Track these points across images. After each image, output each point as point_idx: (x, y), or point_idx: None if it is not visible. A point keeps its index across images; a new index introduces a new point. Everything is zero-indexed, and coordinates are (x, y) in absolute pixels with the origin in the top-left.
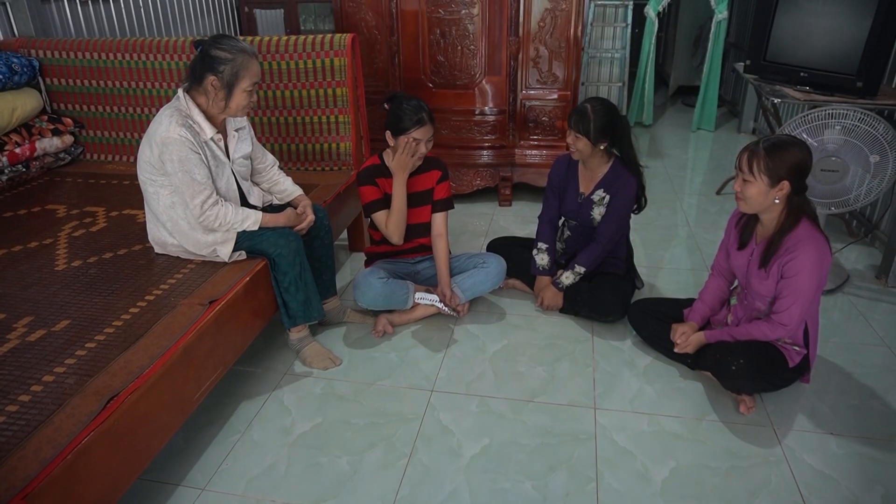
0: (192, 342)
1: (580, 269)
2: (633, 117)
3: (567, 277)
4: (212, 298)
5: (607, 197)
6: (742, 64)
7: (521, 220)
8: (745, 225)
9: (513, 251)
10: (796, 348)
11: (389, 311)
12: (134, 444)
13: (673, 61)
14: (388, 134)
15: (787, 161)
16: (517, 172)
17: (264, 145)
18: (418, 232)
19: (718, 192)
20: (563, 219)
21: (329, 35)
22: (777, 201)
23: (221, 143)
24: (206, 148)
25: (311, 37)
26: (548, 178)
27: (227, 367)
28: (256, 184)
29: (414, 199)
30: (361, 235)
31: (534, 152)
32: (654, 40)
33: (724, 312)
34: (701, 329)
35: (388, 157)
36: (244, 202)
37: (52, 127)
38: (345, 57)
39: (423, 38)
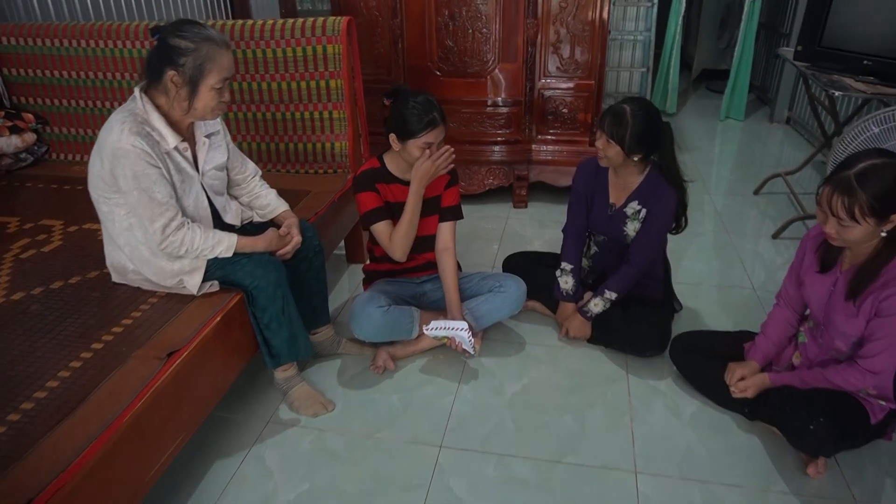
0: (144, 410)
1: (611, 296)
2: (656, 105)
3: (596, 305)
4: (171, 349)
5: (643, 210)
6: (790, 49)
7: (539, 223)
8: (827, 247)
9: (532, 269)
10: (882, 402)
11: (391, 343)
12: None
13: (697, 43)
14: (392, 137)
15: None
16: (534, 170)
17: (246, 146)
18: (425, 246)
19: (757, 192)
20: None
21: (321, 19)
22: (885, 234)
23: (188, 153)
24: (168, 160)
25: (299, 21)
26: (572, 185)
27: (193, 430)
28: (235, 197)
29: (421, 207)
30: (361, 245)
31: (552, 148)
32: (681, 20)
33: (789, 350)
34: (763, 370)
35: (389, 159)
36: (218, 222)
37: (10, 124)
38: (339, 44)
39: (429, 21)
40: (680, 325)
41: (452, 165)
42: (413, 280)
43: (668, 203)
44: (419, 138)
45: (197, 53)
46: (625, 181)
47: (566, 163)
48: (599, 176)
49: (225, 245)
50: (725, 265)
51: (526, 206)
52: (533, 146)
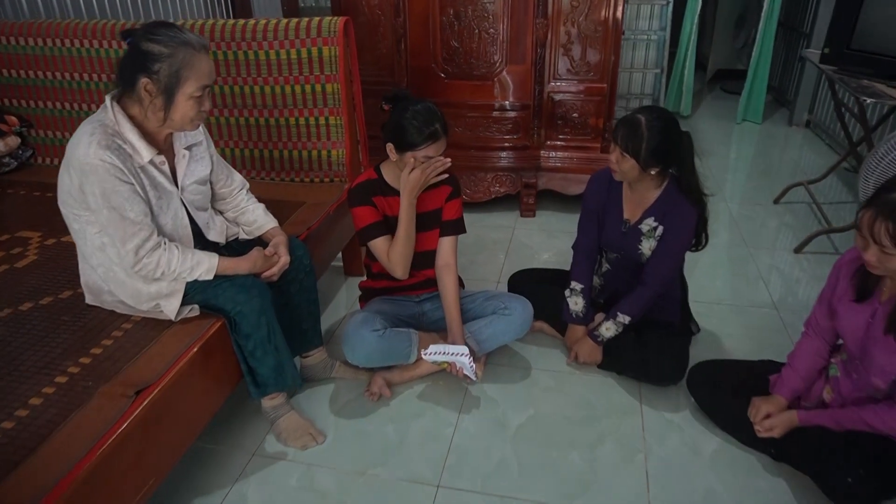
0: (107, 456)
1: (624, 319)
2: (670, 107)
3: (608, 329)
4: (140, 386)
5: (660, 228)
6: (815, 51)
7: (547, 233)
8: (864, 274)
9: (539, 288)
10: None
11: (387, 367)
12: None
13: (712, 42)
14: (389, 147)
15: None
16: (542, 178)
17: (238, 153)
18: (425, 262)
19: (777, 202)
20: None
21: (316, 19)
22: None
23: (165, 167)
24: (142, 175)
25: (293, 21)
26: (583, 200)
27: (166, 473)
28: (220, 212)
29: (419, 222)
30: (359, 257)
31: (562, 154)
32: (696, 19)
33: (819, 385)
34: (791, 406)
35: (387, 170)
36: (200, 240)
37: None
38: (336, 45)
39: (433, 20)
40: (698, 350)
41: (446, 175)
42: (412, 298)
43: (688, 220)
44: (418, 151)
45: (172, 59)
46: (640, 196)
47: (576, 170)
48: (613, 190)
49: (205, 267)
50: (744, 282)
51: (534, 216)
52: (542, 152)
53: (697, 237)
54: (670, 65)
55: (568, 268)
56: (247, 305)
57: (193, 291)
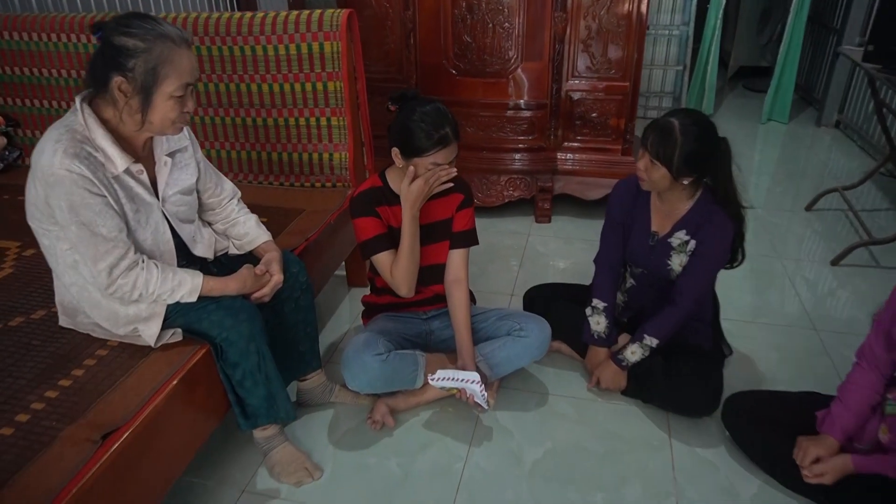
0: None
1: (651, 342)
2: (691, 106)
3: (633, 353)
4: (109, 429)
5: (692, 242)
6: (854, 48)
7: (564, 240)
8: None
9: (557, 304)
10: None
11: (392, 393)
12: None
13: (734, 38)
14: (394, 151)
15: None
16: (559, 182)
17: (234, 155)
18: (433, 277)
19: (809, 209)
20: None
21: (318, 11)
22: None
23: (144, 176)
24: (116, 186)
25: (293, 13)
26: (607, 209)
27: None
28: (208, 223)
29: (427, 233)
30: (363, 267)
31: (580, 157)
32: (721, 14)
33: (874, 423)
34: (843, 447)
35: (392, 177)
36: (185, 255)
37: None
38: (338, 40)
39: (445, 13)
40: (731, 375)
41: (451, 184)
42: (419, 315)
43: (724, 235)
44: (426, 157)
45: (149, 55)
46: (670, 207)
47: (595, 173)
48: (640, 199)
49: (188, 288)
50: (778, 297)
51: (549, 221)
52: (558, 154)
53: (733, 253)
54: (692, 61)
55: (587, 281)
56: (234, 331)
57: (175, 314)
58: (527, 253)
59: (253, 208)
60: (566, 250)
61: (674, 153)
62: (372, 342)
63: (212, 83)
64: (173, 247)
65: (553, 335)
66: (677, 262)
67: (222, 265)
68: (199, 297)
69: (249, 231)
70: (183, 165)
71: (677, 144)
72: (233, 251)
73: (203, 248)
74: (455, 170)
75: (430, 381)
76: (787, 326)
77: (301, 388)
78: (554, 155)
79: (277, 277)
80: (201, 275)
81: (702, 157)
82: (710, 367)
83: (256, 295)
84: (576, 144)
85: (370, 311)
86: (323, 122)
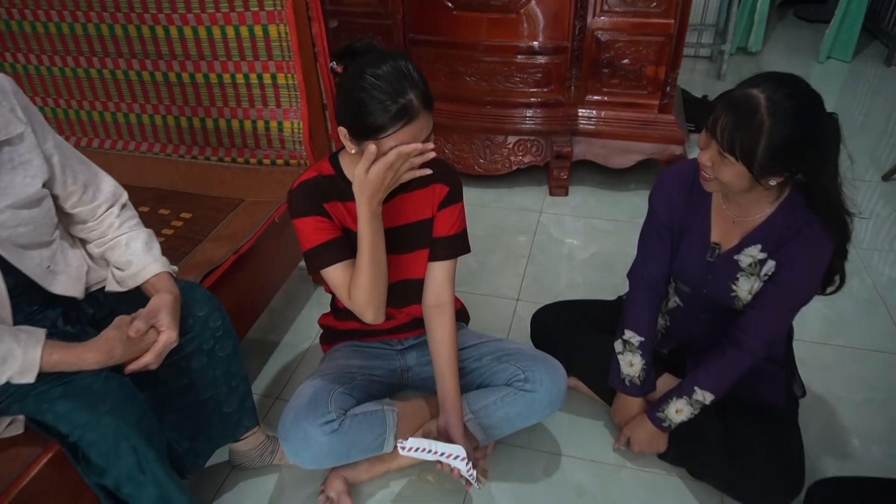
0: None
1: (704, 398)
2: (738, 42)
3: (679, 411)
4: None
5: (770, 263)
6: None
7: (584, 222)
8: None
9: (574, 333)
10: None
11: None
12: None
13: None
14: (341, 132)
15: None
16: (579, 145)
17: (139, 122)
18: (409, 295)
19: (887, 179)
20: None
21: None
22: None
23: None
24: None
25: None
26: (650, 205)
27: None
28: (82, 242)
29: (398, 239)
30: None
31: (607, 114)
32: None
33: None
34: None
35: (347, 162)
36: (36, 297)
37: None
38: None
39: None
40: (808, 428)
41: (429, 170)
42: (391, 345)
43: (817, 256)
44: (384, 139)
45: None
46: (741, 211)
47: (624, 135)
48: (696, 198)
49: (17, 366)
50: (855, 304)
51: (566, 194)
52: (579, 110)
53: (829, 277)
54: None
55: (613, 278)
56: (92, 430)
57: (9, 398)
58: (538, 239)
59: (172, 198)
60: (587, 233)
61: (757, 144)
62: (321, 402)
63: (118, 24)
64: (4, 291)
65: (569, 370)
66: (745, 287)
67: (100, 305)
68: (42, 375)
69: (133, 258)
70: (18, 164)
71: (763, 131)
72: (111, 287)
73: (67, 281)
74: (432, 146)
75: (399, 449)
76: (873, 353)
77: (234, 448)
78: (574, 111)
79: (166, 337)
80: (42, 342)
81: (799, 147)
82: (788, 435)
83: (131, 367)
84: (602, 98)
85: (329, 338)
86: (266, 78)
